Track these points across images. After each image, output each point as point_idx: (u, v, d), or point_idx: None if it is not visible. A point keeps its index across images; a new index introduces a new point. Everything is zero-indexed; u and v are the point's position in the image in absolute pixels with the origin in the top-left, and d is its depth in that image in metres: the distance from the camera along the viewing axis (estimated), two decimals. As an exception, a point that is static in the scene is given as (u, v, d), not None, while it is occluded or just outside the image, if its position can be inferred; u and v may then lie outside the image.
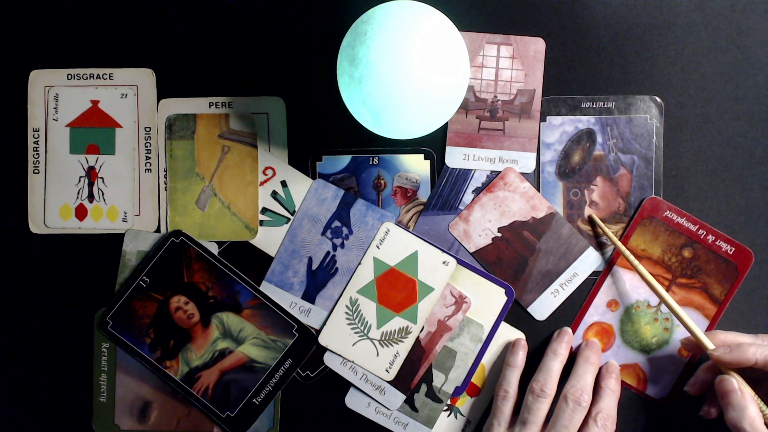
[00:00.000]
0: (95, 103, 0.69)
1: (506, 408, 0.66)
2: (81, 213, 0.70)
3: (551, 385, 0.65)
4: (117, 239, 0.70)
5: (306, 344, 0.69)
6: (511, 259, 0.69)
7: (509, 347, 0.69)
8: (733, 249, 0.68)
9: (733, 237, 0.68)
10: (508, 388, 0.67)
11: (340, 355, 0.69)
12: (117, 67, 0.70)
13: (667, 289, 0.69)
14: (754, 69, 0.69)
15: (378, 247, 0.69)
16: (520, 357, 0.68)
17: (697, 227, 0.68)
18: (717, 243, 0.68)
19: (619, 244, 0.67)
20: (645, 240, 0.69)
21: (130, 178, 0.70)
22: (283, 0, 0.69)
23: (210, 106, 0.70)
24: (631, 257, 0.66)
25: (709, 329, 0.68)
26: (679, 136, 0.69)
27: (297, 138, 0.70)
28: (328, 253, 0.69)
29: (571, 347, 0.68)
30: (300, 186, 0.70)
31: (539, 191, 0.69)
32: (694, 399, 0.68)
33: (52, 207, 0.70)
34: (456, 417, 0.70)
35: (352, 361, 0.69)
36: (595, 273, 0.69)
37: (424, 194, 0.70)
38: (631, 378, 0.69)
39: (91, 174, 0.70)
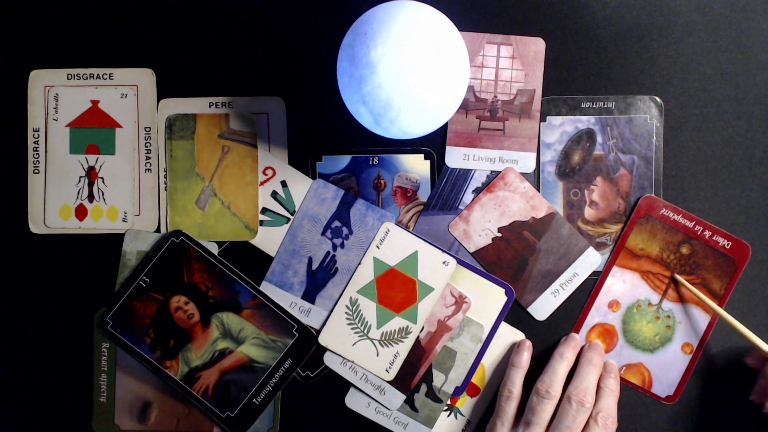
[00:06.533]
0: (95, 103, 0.69)
1: (510, 408, 0.66)
2: (81, 213, 0.70)
3: (556, 387, 0.65)
4: (117, 239, 0.70)
5: (306, 344, 0.69)
6: (511, 259, 0.69)
7: (514, 348, 0.69)
8: (730, 243, 0.68)
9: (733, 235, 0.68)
10: (512, 389, 0.66)
11: (340, 355, 0.69)
12: (117, 67, 0.70)
13: (667, 287, 0.69)
14: (754, 69, 0.69)
15: (378, 247, 0.69)
16: (525, 357, 0.68)
17: (693, 224, 0.68)
18: (714, 238, 0.68)
19: (709, 300, 0.67)
20: (643, 239, 0.69)
21: (130, 178, 0.70)
22: (283, 0, 0.69)
23: (210, 106, 0.70)
24: (709, 300, 0.67)
25: (710, 325, 0.68)
26: (679, 136, 0.69)
27: (297, 138, 0.70)
28: (328, 253, 0.69)
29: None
30: (300, 186, 0.70)
31: (539, 191, 0.69)
32: (701, 396, 0.68)
33: (52, 207, 0.70)
34: (456, 417, 0.70)
35: (352, 361, 0.69)
36: (595, 273, 0.69)
37: (424, 194, 0.70)
38: (637, 377, 0.69)
39: (91, 174, 0.70)
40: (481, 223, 0.69)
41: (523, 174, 0.69)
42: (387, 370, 0.68)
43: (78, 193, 0.70)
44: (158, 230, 0.70)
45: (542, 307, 0.69)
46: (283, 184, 0.70)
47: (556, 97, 0.69)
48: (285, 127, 0.70)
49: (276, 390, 0.69)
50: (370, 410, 0.69)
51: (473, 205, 0.69)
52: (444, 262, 0.68)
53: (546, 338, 0.70)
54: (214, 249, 0.69)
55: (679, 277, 0.68)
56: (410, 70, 0.58)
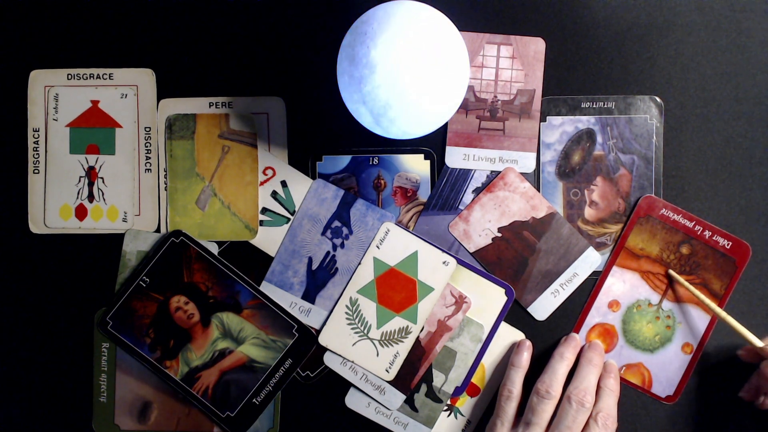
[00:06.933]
0: (95, 103, 0.69)
1: (510, 408, 0.66)
2: (81, 213, 0.70)
3: (556, 387, 0.65)
4: (117, 239, 0.70)
5: (306, 344, 0.69)
6: (511, 259, 0.69)
7: (514, 348, 0.69)
8: (731, 243, 0.68)
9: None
10: (512, 389, 0.66)
11: (340, 355, 0.69)
12: (117, 67, 0.70)
13: (667, 287, 0.69)
14: (754, 69, 0.69)
15: (378, 247, 0.69)
16: (525, 357, 0.68)
17: (693, 224, 0.68)
18: (714, 238, 0.68)
19: (701, 295, 0.67)
20: (643, 239, 0.69)
21: (130, 178, 0.70)
22: (283, 0, 0.69)
23: (210, 106, 0.70)
24: (710, 302, 0.66)
25: (710, 324, 0.68)
26: (679, 136, 0.69)
27: (297, 138, 0.70)
28: (328, 253, 0.69)
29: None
30: (300, 186, 0.70)
31: (539, 191, 0.69)
32: (701, 396, 0.68)
33: (52, 207, 0.70)
34: (456, 417, 0.70)
35: (352, 361, 0.69)
36: (594, 273, 0.69)
37: (424, 194, 0.70)
38: (637, 377, 0.69)
39: (91, 174, 0.70)
40: (481, 223, 0.69)
41: (523, 174, 0.69)
42: (387, 370, 0.68)
43: (78, 193, 0.70)
44: (158, 230, 0.70)
45: (542, 307, 0.69)
46: (283, 184, 0.70)
47: (556, 97, 0.69)
48: (285, 127, 0.70)
49: (276, 390, 0.69)
50: (370, 410, 0.69)
51: (473, 205, 0.69)
52: (444, 262, 0.68)
53: (546, 338, 0.70)
54: (214, 249, 0.69)
55: (672, 273, 0.68)
56: (410, 70, 0.58)
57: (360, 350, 0.68)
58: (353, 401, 0.69)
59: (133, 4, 0.69)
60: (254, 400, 0.69)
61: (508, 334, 0.69)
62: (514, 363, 0.68)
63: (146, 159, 0.70)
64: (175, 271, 0.69)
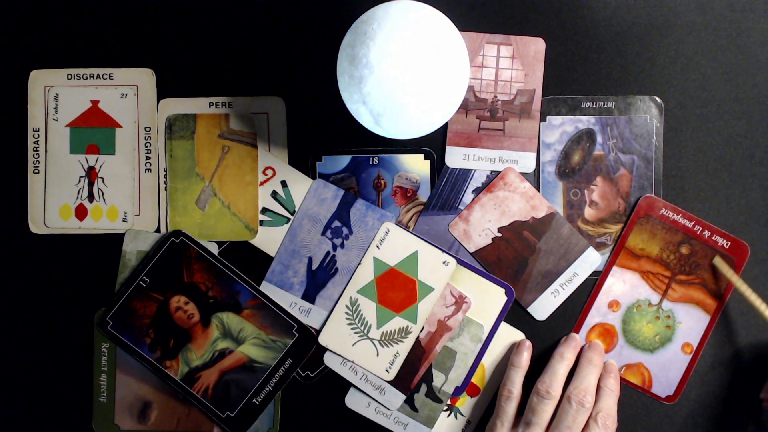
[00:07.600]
0: (95, 103, 0.70)
1: (510, 408, 0.66)
2: (81, 213, 0.70)
3: (556, 387, 0.65)
4: (117, 239, 0.70)
5: (306, 344, 0.69)
6: (511, 259, 0.69)
7: (514, 348, 0.69)
8: (730, 243, 0.68)
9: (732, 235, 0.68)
10: (512, 389, 0.66)
11: (340, 355, 0.69)
12: (117, 67, 0.70)
13: (667, 287, 0.69)
14: (754, 69, 0.69)
15: (378, 247, 0.69)
16: (525, 358, 0.68)
17: (693, 223, 0.68)
18: (713, 238, 0.68)
19: (747, 291, 0.66)
20: (643, 239, 0.69)
21: (130, 178, 0.70)
22: (283, 0, 0.69)
23: (210, 106, 0.70)
24: (752, 296, 0.66)
25: (710, 324, 0.68)
26: (679, 136, 0.69)
27: (297, 138, 0.70)
28: (328, 253, 0.69)
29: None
30: (300, 186, 0.70)
31: (539, 191, 0.69)
32: (701, 396, 0.68)
33: (52, 207, 0.70)
34: (456, 417, 0.70)
35: (352, 361, 0.69)
36: (594, 273, 0.69)
37: (424, 194, 0.70)
38: (637, 377, 0.69)
39: (91, 174, 0.70)
40: (481, 223, 0.69)
41: (523, 174, 0.69)
42: (387, 370, 0.68)
43: (78, 193, 0.70)
44: (158, 230, 0.70)
45: (542, 307, 0.69)
46: (283, 184, 0.70)
47: (556, 97, 0.69)
48: (285, 127, 0.70)
49: (276, 390, 0.69)
50: (370, 410, 0.69)
51: (473, 205, 0.69)
52: (444, 262, 0.68)
53: (546, 338, 0.70)
54: (214, 249, 0.69)
55: (718, 263, 0.67)
56: (410, 70, 0.58)
57: (360, 350, 0.68)
58: (353, 401, 0.69)
59: (133, 4, 0.69)
60: (254, 400, 0.69)
61: (508, 334, 0.69)
62: (514, 363, 0.68)
63: (146, 159, 0.70)
64: (175, 271, 0.69)
